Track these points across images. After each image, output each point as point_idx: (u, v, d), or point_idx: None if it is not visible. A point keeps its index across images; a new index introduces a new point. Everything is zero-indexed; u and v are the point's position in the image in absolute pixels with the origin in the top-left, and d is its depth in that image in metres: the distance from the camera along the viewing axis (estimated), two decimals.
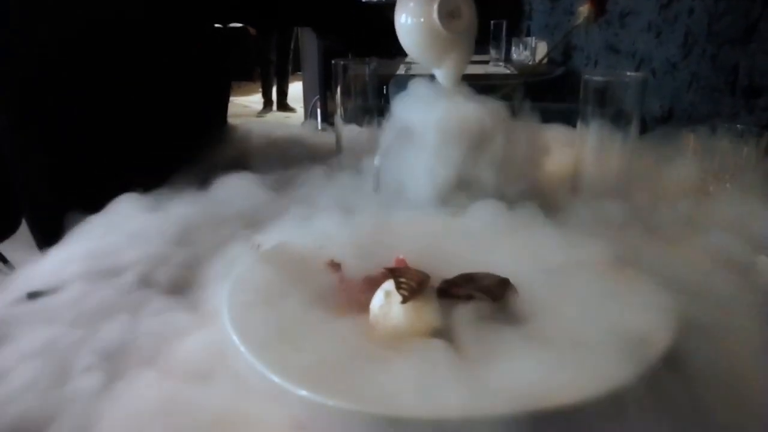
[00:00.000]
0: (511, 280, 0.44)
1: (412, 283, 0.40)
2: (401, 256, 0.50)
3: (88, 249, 0.51)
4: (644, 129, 0.65)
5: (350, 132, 0.77)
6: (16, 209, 1.32)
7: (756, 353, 0.40)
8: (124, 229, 0.55)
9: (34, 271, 0.50)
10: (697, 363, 0.37)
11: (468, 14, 0.55)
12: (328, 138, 0.86)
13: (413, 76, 0.63)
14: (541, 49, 2.35)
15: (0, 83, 0.80)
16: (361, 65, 0.76)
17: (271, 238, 0.54)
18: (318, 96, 3.74)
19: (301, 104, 4.44)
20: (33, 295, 0.47)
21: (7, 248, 1.43)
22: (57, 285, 0.47)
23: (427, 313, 0.40)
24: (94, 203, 0.57)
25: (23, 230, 1.32)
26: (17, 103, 0.81)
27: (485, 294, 0.41)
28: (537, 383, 0.34)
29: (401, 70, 2.14)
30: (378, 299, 0.40)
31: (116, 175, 0.70)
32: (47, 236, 0.89)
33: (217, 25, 0.96)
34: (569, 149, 0.68)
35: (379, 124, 0.77)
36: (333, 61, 0.75)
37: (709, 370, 0.37)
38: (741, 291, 0.46)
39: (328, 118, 3.53)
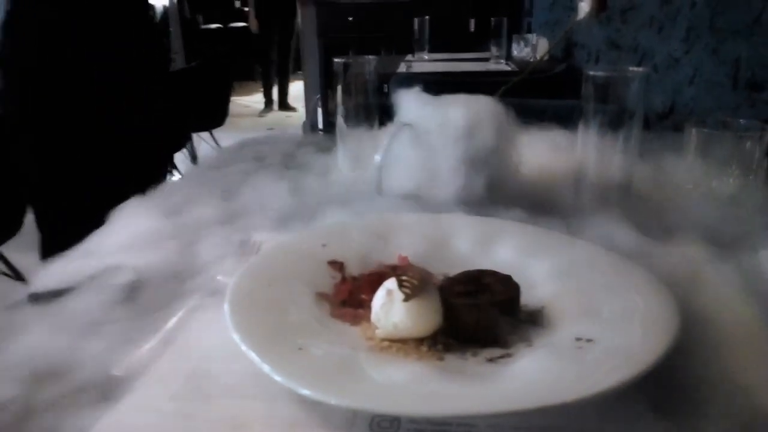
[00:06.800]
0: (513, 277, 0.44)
1: (414, 282, 0.39)
2: (403, 255, 0.49)
3: None
4: (647, 124, 0.65)
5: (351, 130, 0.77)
6: (20, 212, 1.34)
7: (757, 348, 0.40)
8: None
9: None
10: (698, 358, 0.37)
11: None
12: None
13: (414, 74, 0.63)
14: (542, 45, 2.35)
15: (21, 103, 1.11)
16: (362, 64, 0.76)
17: (274, 236, 0.54)
18: (319, 95, 3.74)
19: (302, 103, 4.45)
20: (35, 298, 0.47)
21: (12, 254, 1.44)
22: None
23: (429, 311, 0.39)
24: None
25: (25, 235, 1.33)
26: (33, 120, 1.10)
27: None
28: (541, 381, 0.34)
29: (402, 68, 2.13)
30: (380, 298, 0.40)
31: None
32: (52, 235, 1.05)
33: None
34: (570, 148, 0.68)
35: (380, 122, 0.77)
36: (334, 60, 0.75)
37: (709, 364, 0.37)
38: (743, 285, 0.46)
39: (328, 117, 3.53)
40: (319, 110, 3.73)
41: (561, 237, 0.51)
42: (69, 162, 1.12)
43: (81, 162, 1.11)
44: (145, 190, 0.67)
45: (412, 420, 0.34)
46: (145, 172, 1.24)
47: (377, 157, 0.64)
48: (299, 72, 4.76)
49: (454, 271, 0.45)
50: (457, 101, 0.66)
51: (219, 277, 0.49)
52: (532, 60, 2.28)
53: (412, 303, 0.39)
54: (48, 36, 1.06)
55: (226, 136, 2.79)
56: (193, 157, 2.63)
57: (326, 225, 0.56)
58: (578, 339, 0.37)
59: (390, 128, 0.65)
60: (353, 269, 0.48)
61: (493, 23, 2.26)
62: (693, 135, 0.65)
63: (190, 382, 0.38)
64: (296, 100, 5.19)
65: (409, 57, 2.43)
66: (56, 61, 1.07)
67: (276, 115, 5.27)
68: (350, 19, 3.43)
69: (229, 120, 2.92)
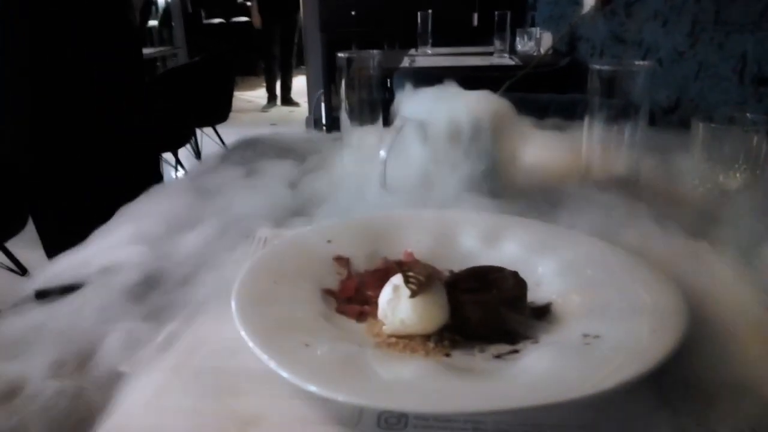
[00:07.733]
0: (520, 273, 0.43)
1: (420, 278, 0.39)
2: (409, 251, 0.49)
3: None
4: (652, 119, 0.64)
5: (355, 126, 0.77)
6: (24, 208, 1.34)
7: (766, 344, 0.40)
8: None
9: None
10: (706, 354, 0.37)
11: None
12: None
13: (417, 68, 0.63)
14: (546, 39, 2.34)
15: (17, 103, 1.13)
16: (365, 58, 0.75)
17: (279, 233, 0.54)
18: (322, 90, 3.74)
19: (305, 98, 4.44)
20: (42, 295, 0.47)
21: (17, 249, 1.44)
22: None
23: (435, 307, 0.39)
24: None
25: (30, 231, 1.33)
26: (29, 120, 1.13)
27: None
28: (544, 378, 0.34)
29: (405, 63, 2.13)
30: (386, 294, 0.40)
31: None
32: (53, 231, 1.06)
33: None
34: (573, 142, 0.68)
35: (384, 117, 0.76)
36: (337, 55, 0.75)
37: (718, 360, 0.37)
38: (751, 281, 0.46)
39: (332, 112, 3.53)
40: (323, 105, 3.73)
41: (567, 233, 0.51)
42: (65, 161, 1.12)
43: (76, 161, 1.11)
44: (143, 188, 0.67)
45: (419, 416, 0.34)
46: (141, 171, 1.24)
47: (382, 153, 0.64)
48: (302, 67, 4.75)
49: (460, 267, 0.45)
50: (461, 96, 0.66)
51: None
52: (535, 54, 2.28)
53: (418, 299, 0.39)
54: (37, 34, 1.07)
55: (230, 131, 2.79)
56: (197, 153, 2.63)
57: (332, 221, 0.56)
58: (585, 335, 0.37)
59: (394, 123, 0.65)
60: (359, 265, 0.48)
61: (496, 17, 2.25)
62: (699, 130, 0.64)
63: (197, 378, 0.38)
64: (299, 95, 5.19)
65: (412, 51, 2.43)
66: (46, 60, 1.08)
67: (279, 110, 5.27)
68: (353, 13, 3.42)
69: (232, 115, 2.91)
